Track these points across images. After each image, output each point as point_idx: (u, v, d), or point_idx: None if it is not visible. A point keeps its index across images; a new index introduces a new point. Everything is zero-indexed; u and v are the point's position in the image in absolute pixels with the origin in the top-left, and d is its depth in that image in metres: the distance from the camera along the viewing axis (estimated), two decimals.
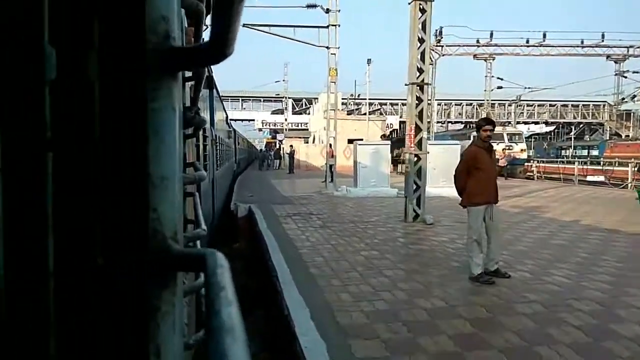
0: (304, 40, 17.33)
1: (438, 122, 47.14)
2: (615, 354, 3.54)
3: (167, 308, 0.53)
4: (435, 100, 34.65)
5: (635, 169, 21.62)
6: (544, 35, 40.40)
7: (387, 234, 8.45)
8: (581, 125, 59.23)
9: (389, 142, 18.60)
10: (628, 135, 47.04)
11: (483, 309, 4.51)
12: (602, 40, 41.79)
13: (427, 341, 3.75)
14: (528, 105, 55.49)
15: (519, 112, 52.94)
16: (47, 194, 0.47)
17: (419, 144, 9.80)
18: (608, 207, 12.63)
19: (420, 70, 9.56)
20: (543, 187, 19.37)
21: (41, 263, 0.47)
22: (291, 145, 33.06)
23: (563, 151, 45.49)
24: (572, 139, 50.93)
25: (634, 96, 44.12)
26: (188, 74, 1.52)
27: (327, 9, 16.46)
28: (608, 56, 43.31)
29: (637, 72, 41.35)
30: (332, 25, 16.42)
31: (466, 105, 57.84)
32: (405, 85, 9.73)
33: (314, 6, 16.91)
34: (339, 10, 16.45)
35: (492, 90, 41.10)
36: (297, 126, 51.09)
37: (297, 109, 57.46)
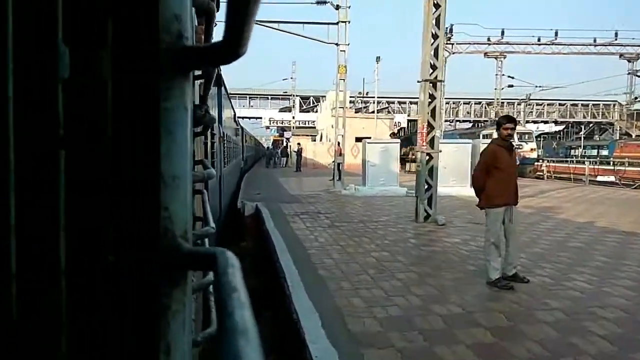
0: (313, 37, 17.13)
1: (446, 121, 46.75)
2: None
3: (177, 307, 0.53)
4: (444, 98, 34.30)
5: None
6: (556, 34, 39.90)
7: (397, 234, 8.23)
8: (591, 125, 58.56)
9: (398, 140, 18.31)
10: (639, 135, 46.40)
11: (502, 316, 4.29)
12: (615, 39, 41.21)
13: (444, 351, 3.54)
14: (537, 105, 54.89)
15: (528, 111, 52.40)
16: (59, 192, 0.48)
17: (431, 143, 9.55)
18: (622, 208, 12.34)
19: (434, 67, 9.32)
20: (554, 187, 19.05)
21: (53, 261, 0.48)
22: (299, 143, 32.87)
23: (572, 151, 45.00)
24: (582, 138, 50.40)
25: None
26: (197, 72, 1.52)
27: (337, 6, 16.24)
28: (621, 55, 42.73)
29: None
30: (342, 21, 16.20)
31: (474, 104, 57.33)
32: (418, 82, 9.50)
33: (324, 2, 16.68)
34: (349, 7, 16.22)
35: (502, 88, 40.67)
36: (305, 124, 50.86)
37: (304, 107, 57.25)
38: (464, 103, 57.02)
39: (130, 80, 0.51)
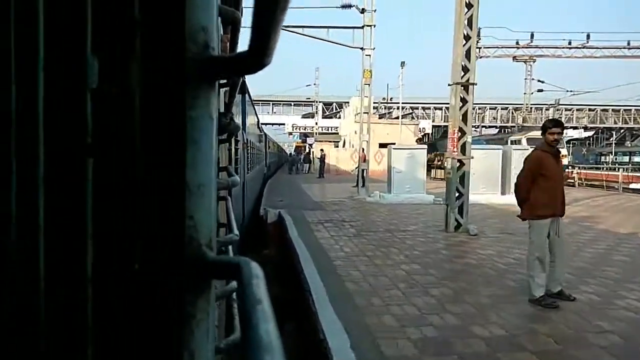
0: (337, 42, 16.86)
1: (472, 127, 45.87)
2: None
3: (201, 315, 0.52)
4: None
5: None
6: (588, 37, 38.66)
7: (427, 245, 7.82)
8: (622, 131, 56.82)
9: (425, 146, 17.84)
10: None
11: (551, 339, 3.88)
12: None
13: None
14: (566, 110, 53.49)
15: (557, 116, 51.10)
16: (86, 200, 0.49)
17: (463, 149, 9.12)
18: None
19: (465, 70, 8.90)
20: (588, 195, 18.30)
21: (80, 268, 0.48)
22: (322, 150, 32.60)
23: (603, 157, 43.71)
24: (613, 144, 48.88)
25: None
26: (223, 79, 1.50)
27: (363, 9, 15.93)
28: None
29: None
30: (368, 25, 15.87)
31: (501, 109, 56.20)
32: (449, 85, 9.09)
33: (349, 6, 16.39)
34: (375, 10, 15.90)
35: (532, 93, 39.67)
36: (327, 130, 50.68)
37: (327, 113, 57.07)
38: (490, 108, 55.97)
39: (157, 89, 0.51)
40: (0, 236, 0.46)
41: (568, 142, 53.33)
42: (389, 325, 4.11)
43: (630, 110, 53.95)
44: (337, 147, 39.29)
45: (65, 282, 0.48)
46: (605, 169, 30.55)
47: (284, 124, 56.50)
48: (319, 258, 6.63)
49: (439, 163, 30.36)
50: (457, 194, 9.12)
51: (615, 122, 55.65)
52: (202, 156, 0.52)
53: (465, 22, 8.81)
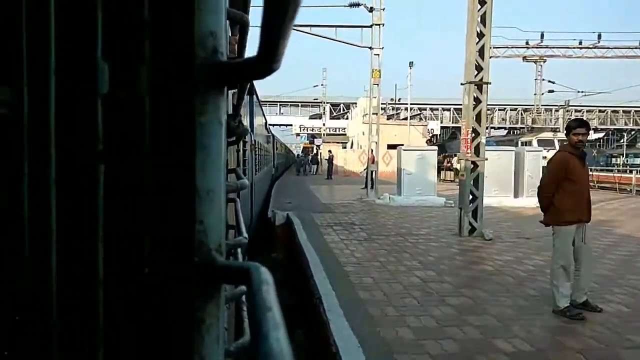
0: (346, 41, 16.62)
1: None
2: None
3: (211, 320, 0.52)
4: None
5: None
6: (599, 37, 38.09)
7: (441, 250, 7.55)
8: (633, 132, 56.05)
9: (435, 147, 17.52)
10: None
11: (580, 355, 3.61)
12: None
13: None
14: (576, 111, 52.85)
15: (567, 117, 50.47)
16: (98, 205, 0.49)
17: (476, 150, 8.84)
18: None
19: (479, 68, 8.63)
20: (603, 198, 17.88)
21: (91, 272, 0.49)
22: (329, 151, 32.36)
23: (614, 159, 43.06)
24: (624, 146, 48.18)
25: None
26: (232, 88, 1.39)
27: (371, 8, 15.68)
28: None
29: None
30: (376, 24, 15.63)
31: (510, 110, 55.64)
32: (462, 84, 8.82)
33: (357, 5, 16.14)
34: (384, 9, 15.65)
35: (542, 94, 39.14)
36: (335, 131, 50.46)
37: (334, 114, 56.85)
38: (499, 109, 55.44)
39: (167, 95, 0.51)
40: (14, 240, 0.47)
41: None
42: (406, 339, 3.86)
43: None
44: (345, 148, 39.02)
45: (77, 286, 0.49)
46: (616, 171, 29.99)
47: (291, 125, 56.34)
48: (329, 263, 6.40)
49: (448, 165, 30.04)
50: (470, 197, 8.84)
51: (626, 124, 54.92)
52: (211, 161, 0.52)
53: (479, 19, 8.55)
